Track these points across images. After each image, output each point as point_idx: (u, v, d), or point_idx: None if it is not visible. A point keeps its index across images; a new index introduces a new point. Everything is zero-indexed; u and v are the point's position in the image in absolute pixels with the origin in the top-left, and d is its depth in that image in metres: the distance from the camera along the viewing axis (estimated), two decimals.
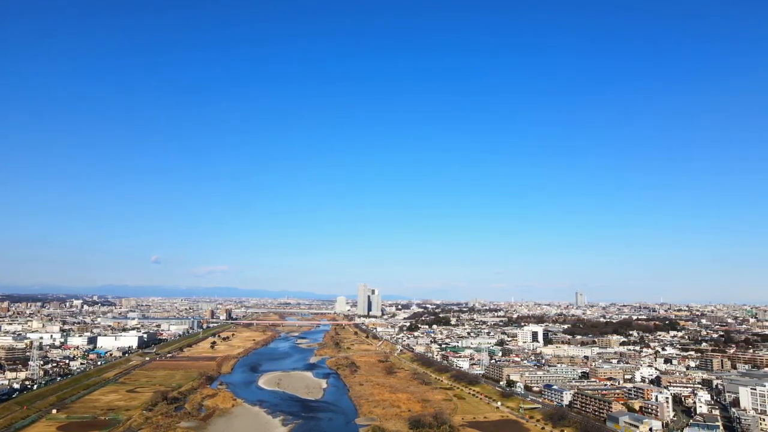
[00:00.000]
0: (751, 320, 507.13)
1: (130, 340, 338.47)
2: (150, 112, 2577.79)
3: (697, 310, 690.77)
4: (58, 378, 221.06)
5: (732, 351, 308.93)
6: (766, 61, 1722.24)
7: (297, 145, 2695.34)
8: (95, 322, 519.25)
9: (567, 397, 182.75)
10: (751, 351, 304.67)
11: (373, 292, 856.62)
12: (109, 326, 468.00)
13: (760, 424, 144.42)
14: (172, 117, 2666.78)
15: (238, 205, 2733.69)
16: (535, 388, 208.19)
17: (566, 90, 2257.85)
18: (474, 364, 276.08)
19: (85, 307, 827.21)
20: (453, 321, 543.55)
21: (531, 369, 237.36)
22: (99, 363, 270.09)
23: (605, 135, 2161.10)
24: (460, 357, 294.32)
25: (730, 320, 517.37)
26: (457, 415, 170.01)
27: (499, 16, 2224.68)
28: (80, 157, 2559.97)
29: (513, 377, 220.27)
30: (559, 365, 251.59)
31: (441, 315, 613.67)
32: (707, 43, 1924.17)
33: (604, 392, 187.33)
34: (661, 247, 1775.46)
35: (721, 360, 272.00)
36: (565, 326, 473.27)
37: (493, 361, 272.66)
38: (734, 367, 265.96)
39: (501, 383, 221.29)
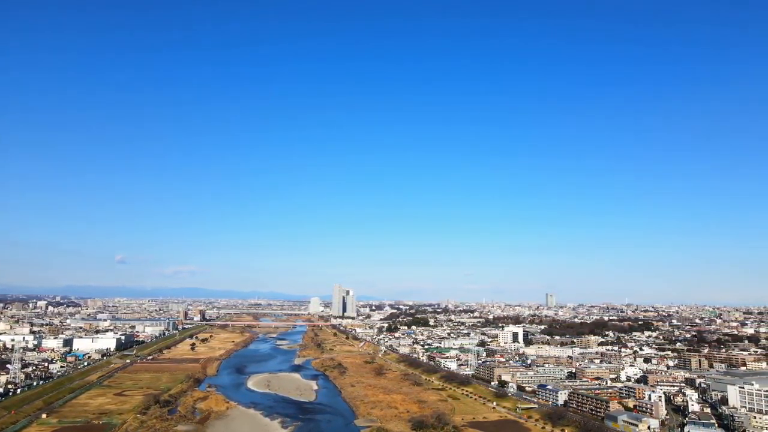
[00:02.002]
0: (718, 321, 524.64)
1: (108, 341, 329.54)
2: (120, 110, 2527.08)
3: (664, 311, 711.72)
4: (40, 381, 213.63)
5: (706, 350, 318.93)
6: (730, 70, 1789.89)
7: (269, 146, 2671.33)
8: (65, 323, 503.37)
9: (562, 397, 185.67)
10: (724, 350, 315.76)
11: (347, 293, 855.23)
12: (81, 328, 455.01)
13: (752, 421, 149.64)
14: (143, 116, 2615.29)
15: (207, 205, 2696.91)
16: (527, 388, 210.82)
17: (549, 93, 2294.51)
18: (462, 364, 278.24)
19: (50, 308, 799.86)
20: (431, 322, 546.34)
21: (521, 369, 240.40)
22: (80, 366, 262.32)
23: (577, 139, 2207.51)
24: (447, 358, 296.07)
25: (698, 321, 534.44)
26: (456, 415, 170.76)
27: (499, 19, 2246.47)
28: (41, 154, 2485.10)
29: (504, 377, 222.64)
30: (546, 365, 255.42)
31: (418, 316, 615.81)
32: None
33: (597, 392, 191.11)
34: (624, 249, 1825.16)
35: (699, 359, 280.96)
36: (542, 327, 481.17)
37: (481, 361, 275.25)
38: (711, 366, 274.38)
39: (492, 383, 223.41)
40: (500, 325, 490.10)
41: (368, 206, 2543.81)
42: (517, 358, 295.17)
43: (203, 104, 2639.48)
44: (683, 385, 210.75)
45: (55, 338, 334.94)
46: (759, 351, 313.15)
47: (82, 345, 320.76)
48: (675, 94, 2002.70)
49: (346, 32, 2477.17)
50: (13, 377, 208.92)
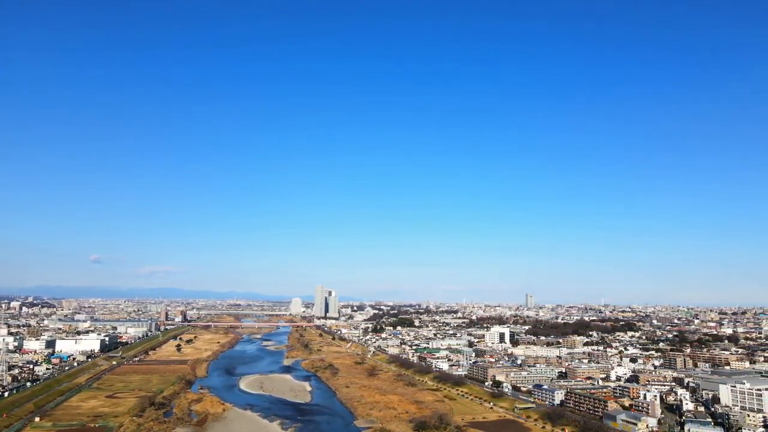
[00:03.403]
0: (696, 321, 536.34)
1: (92, 343, 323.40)
2: (98, 109, 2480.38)
3: (641, 311, 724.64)
4: (28, 384, 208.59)
5: (688, 350, 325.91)
6: (700, 75, 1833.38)
7: (246, 147, 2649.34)
8: (42, 324, 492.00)
9: (559, 397, 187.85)
10: (705, 350, 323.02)
11: (330, 293, 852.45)
12: (60, 329, 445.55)
13: (747, 419, 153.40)
14: (121, 114, 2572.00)
15: (184, 206, 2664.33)
16: (523, 389, 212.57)
17: (535, 95, 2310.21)
18: (453, 365, 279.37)
19: (24, 308, 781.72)
20: (416, 323, 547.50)
21: (515, 369, 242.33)
22: (65, 368, 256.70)
23: (554, 141, 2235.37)
24: (438, 358, 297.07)
25: (676, 321, 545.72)
26: (455, 415, 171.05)
27: (499, 21, 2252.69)
28: (12, 151, 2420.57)
29: (499, 378, 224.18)
30: (537, 365, 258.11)
31: (402, 317, 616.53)
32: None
33: (592, 391, 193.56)
34: (598, 250, 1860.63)
35: (684, 359, 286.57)
36: (526, 327, 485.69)
37: (472, 362, 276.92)
38: (695, 365, 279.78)
39: (486, 384, 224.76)
40: (485, 325, 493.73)
41: (345, 207, 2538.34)
42: (507, 359, 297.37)
43: (186, 103, 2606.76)
44: (673, 384, 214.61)
45: (36, 340, 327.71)
46: (740, 351, 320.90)
47: (65, 346, 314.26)
48: (652, 97, 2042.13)
49: (346, 32, 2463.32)
50: (0, 379, 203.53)
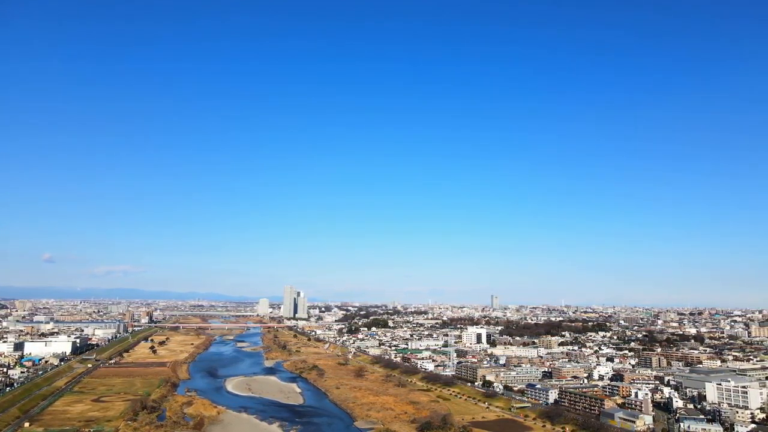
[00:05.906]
0: (660, 321, 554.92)
1: (63, 345, 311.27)
2: (47, 104, 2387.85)
3: (602, 312, 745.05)
4: (7, 388, 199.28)
5: (659, 349, 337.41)
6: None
7: (207, 147, 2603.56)
8: (1, 326, 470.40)
9: (552, 396, 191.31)
10: (675, 349, 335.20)
11: (298, 294, 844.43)
12: (22, 331, 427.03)
13: (737, 416, 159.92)
14: (63, 109, 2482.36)
15: (140, 204, 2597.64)
16: (514, 388, 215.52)
17: (508, 97, 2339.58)
18: (438, 365, 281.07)
19: None
20: (390, 324, 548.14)
21: (503, 369, 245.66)
22: (40, 371, 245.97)
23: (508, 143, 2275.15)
24: (422, 359, 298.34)
25: (641, 321, 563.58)
26: (454, 416, 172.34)
27: (497, 25, 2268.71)
28: None
29: (489, 378, 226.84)
30: (522, 365, 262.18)
31: (375, 317, 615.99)
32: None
33: (583, 390, 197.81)
34: (555, 251, 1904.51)
35: (658, 358, 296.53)
36: (499, 328, 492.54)
37: (458, 362, 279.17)
38: (669, 364, 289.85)
39: (476, 384, 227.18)
40: (458, 326, 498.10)
41: (307, 209, 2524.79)
42: (488, 359, 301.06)
43: (151, 101, 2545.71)
44: (657, 383, 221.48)
45: (4, 342, 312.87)
46: (708, 350, 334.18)
47: (35, 349, 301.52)
48: (618, 101, 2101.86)
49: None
50: None
